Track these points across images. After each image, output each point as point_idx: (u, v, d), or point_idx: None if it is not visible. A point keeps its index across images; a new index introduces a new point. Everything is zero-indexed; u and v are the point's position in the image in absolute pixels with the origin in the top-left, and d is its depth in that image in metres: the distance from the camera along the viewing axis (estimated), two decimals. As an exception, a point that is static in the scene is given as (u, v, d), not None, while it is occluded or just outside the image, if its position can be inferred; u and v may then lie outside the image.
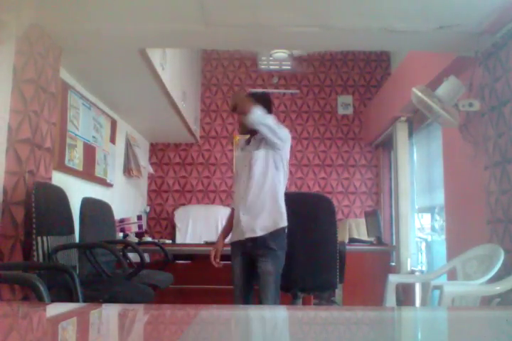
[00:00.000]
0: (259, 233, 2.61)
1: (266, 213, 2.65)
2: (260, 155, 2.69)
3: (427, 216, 4.68)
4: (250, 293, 2.71)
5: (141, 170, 5.29)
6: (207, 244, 4.51)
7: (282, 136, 2.68)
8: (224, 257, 2.83)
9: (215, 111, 6.21)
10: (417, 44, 3.13)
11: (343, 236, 5.24)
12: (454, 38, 2.85)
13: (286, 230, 2.69)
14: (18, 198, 2.50)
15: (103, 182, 4.34)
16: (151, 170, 5.84)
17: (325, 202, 3.09)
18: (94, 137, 4.02)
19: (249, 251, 2.65)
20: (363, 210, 5.74)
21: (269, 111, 2.71)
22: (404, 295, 4.17)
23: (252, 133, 2.78)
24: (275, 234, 2.62)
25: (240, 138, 6.08)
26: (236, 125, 6.15)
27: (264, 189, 2.67)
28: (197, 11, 2.59)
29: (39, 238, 2.42)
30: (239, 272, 2.70)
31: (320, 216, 3.00)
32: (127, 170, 5.06)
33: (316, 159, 6.10)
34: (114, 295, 2.46)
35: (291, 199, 2.83)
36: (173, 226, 5.87)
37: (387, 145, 5.57)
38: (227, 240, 2.83)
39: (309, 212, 2.97)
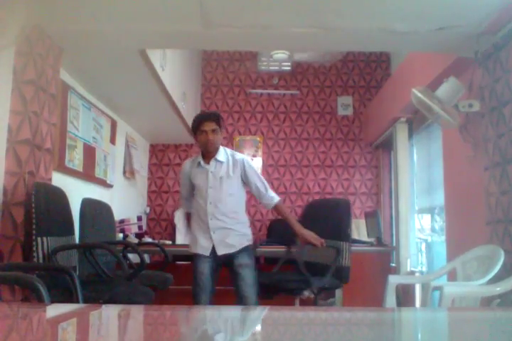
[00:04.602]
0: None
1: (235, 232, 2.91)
2: (232, 183, 2.91)
3: (427, 217, 4.68)
4: (212, 295, 2.88)
5: (134, 173, 5.29)
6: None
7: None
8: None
9: (215, 111, 6.21)
10: (416, 45, 3.13)
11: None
12: (453, 39, 2.85)
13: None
14: (18, 199, 2.50)
15: (103, 183, 4.34)
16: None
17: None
18: (94, 138, 4.02)
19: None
20: (363, 211, 5.74)
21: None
22: (404, 295, 4.16)
23: (210, 153, 2.93)
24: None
25: (239, 140, 6.10)
26: (236, 126, 6.16)
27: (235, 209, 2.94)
28: (197, 11, 2.59)
29: (39, 239, 2.42)
30: (207, 272, 2.86)
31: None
32: (126, 171, 5.06)
33: (316, 160, 6.10)
34: (114, 296, 2.46)
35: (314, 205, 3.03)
36: (173, 227, 5.86)
37: (387, 146, 5.57)
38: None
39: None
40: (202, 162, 2.94)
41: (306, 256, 3.12)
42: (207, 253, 2.86)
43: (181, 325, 1.02)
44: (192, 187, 3.01)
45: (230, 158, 2.95)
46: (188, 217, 3.11)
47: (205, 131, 2.85)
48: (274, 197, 2.99)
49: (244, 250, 2.89)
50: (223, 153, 2.96)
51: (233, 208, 2.90)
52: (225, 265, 2.92)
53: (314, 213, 3.51)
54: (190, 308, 1.17)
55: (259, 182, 2.96)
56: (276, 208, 3.01)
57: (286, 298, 3.29)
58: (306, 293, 3.16)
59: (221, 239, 2.85)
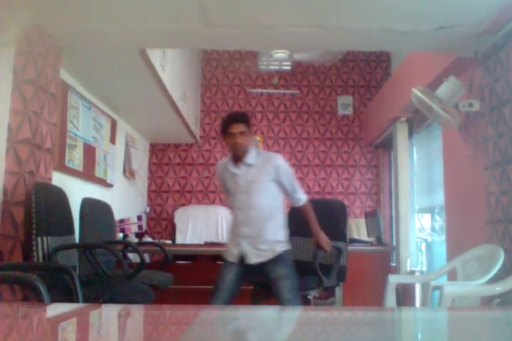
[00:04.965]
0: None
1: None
2: (264, 187, 2.77)
3: (427, 216, 4.68)
4: (230, 300, 2.75)
5: (134, 172, 5.29)
6: (207, 244, 4.52)
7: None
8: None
9: (215, 111, 6.21)
10: (416, 44, 3.13)
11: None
12: (453, 38, 2.85)
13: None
14: (18, 198, 2.50)
15: (103, 183, 4.34)
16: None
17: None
18: (94, 137, 4.02)
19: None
20: (363, 210, 5.74)
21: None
22: (404, 295, 4.17)
23: (239, 156, 2.80)
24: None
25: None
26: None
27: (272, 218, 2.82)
28: (197, 11, 2.59)
29: (39, 238, 2.42)
30: (230, 278, 2.75)
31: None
32: (126, 171, 5.06)
33: (316, 159, 6.10)
34: (114, 296, 2.47)
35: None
36: (173, 227, 5.86)
37: (387, 145, 5.57)
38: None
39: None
40: (231, 165, 2.82)
41: (320, 258, 3.14)
42: (236, 261, 2.77)
43: (181, 325, 1.02)
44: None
45: (262, 160, 2.80)
46: None
47: (233, 133, 2.72)
48: (300, 200, 2.89)
49: (279, 259, 2.76)
50: (254, 155, 2.80)
51: (265, 213, 2.78)
52: (260, 274, 2.81)
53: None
54: (190, 308, 1.17)
55: (288, 185, 2.83)
56: (300, 208, 2.94)
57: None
58: (313, 293, 3.18)
59: (251, 247, 2.75)
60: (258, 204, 2.76)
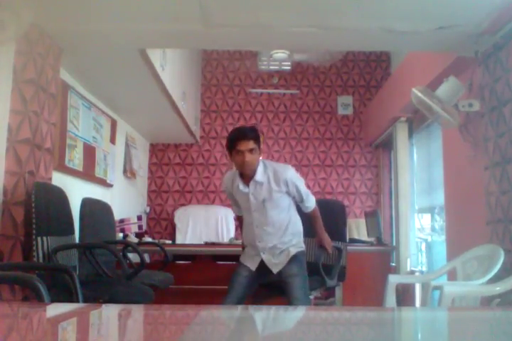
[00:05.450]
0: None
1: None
2: (277, 202, 2.74)
3: (427, 216, 4.68)
4: (242, 301, 2.75)
5: (134, 172, 5.30)
6: (207, 244, 4.52)
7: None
8: (228, 257, 2.85)
9: (215, 111, 6.21)
10: (416, 44, 3.13)
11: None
12: (453, 38, 2.85)
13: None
14: (18, 198, 2.50)
15: (103, 183, 4.34)
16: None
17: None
18: (94, 137, 4.02)
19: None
20: (363, 210, 5.74)
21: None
22: (404, 295, 4.17)
23: (248, 174, 2.72)
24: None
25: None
26: (236, 125, 6.15)
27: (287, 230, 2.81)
28: (197, 11, 2.59)
29: (39, 238, 2.42)
30: (244, 281, 2.77)
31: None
32: (126, 171, 5.06)
33: (316, 159, 6.10)
34: (114, 296, 2.47)
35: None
36: (173, 227, 5.86)
37: (387, 145, 5.57)
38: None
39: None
40: (241, 184, 2.72)
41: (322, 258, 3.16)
42: (253, 268, 2.80)
43: (181, 325, 1.02)
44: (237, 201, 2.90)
45: (272, 175, 2.69)
46: (241, 220, 3.02)
47: (242, 150, 2.58)
48: (309, 207, 2.88)
49: (293, 259, 2.76)
50: (262, 171, 2.69)
51: (281, 226, 2.76)
52: (273, 275, 2.83)
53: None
54: (190, 308, 1.17)
55: (298, 196, 2.80)
56: (309, 213, 2.93)
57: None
58: (315, 293, 3.20)
59: (271, 258, 2.77)
60: (273, 221, 2.74)
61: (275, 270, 2.76)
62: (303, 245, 2.88)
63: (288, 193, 2.77)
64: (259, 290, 3.12)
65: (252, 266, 2.80)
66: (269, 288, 3.07)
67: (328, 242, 3.01)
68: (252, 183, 2.70)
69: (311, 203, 2.88)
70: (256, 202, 2.72)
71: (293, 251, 2.78)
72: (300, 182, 2.81)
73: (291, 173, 2.76)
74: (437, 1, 2.52)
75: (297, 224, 2.88)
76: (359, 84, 6.26)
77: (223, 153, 6.12)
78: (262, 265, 2.79)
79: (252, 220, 2.77)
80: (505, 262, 2.48)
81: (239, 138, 2.59)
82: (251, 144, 2.59)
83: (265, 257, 2.77)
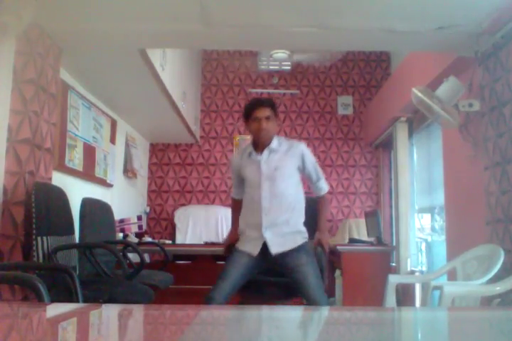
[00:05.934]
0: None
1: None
2: (290, 173, 2.66)
3: (427, 216, 4.68)
4: (232, 293, 2.57)
5: (135, 172, 5.30)
6: (207, 244, 4.52)
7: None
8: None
9: (215, 111, 6.21)
10: (417, 44, 3.13)
11: (343, 237, 5.24)
12: (453, 38, 2.85)
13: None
14: (18, 198, 2.50)
15: (103, 183, 4.34)
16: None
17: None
18: (94, 137, 4.02)
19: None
20: (363, 210, 5.74)
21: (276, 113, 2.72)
22: (404, 295, 4.17)
23: (263, 142, 2.66)
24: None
25: (239, 139, 6.10)
26: (236, 125, 6.16)
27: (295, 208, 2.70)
28: (197, 11, 2.59)
29: (39, 238, 2.42)
30: (239, 269, 2.56)
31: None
32: (126, 171, 5.07)
33: (316, 159, 6.09)
34: (114, 296, 2.46)
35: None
36: (173, 227, 5.86)
37: (387, 145, 5.57)
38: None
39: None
40: (253, 152, 2.67)
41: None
42: (255, 252, 2.59)
43: (181, 325, 1.02)
44: (243, 182, 2.74)
45: (286, 146, 2.68)
46: (237, 206, 2.86)
47: (259, 118, 2.59)
48: (323, 189, 2.81)
49: (300, 249, 2.61)
50: (277, 142, 2.67)
51: (290, 201, 2.63)
52: (279, 270, 2.66)
53: None
54: (190, 308, 1.17)
55: (314, 172, 2.75)
56: (319, 199, 2.84)
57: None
58: None
59: (274, 236, 2.59)
60: (283, 193, 2.62)
61: (274, 250, 2.56)
62: (307, 236, 2.73)
63: (301, 170, 2.70)
64: (269, 290, 3.03)
65: (254, 250, 2.59)
66: (278, 286, 2.94)
67: (326, 240, 2.85)
68: (265, 151, 2.65)
69: (325, 185, 2.80)
70: (267, 170, 2.61)
71: (299, 240, 2.64)
72: (314, 158, 2.79)
73: (306, 147, 2.74)
74: (437, 1, 2.52)
75: (303, 209, 2.74)
76: (359, 84, 6.26)
77: (223, 153, 6.12)
78: (264, 250, 2.59)
79: (261, 191, 2.60)
80: (505, 262, 2.48)
81: (256, 105, 2.63)
82: (268, 111, 2.61)
83: (268, 236, 2.58)
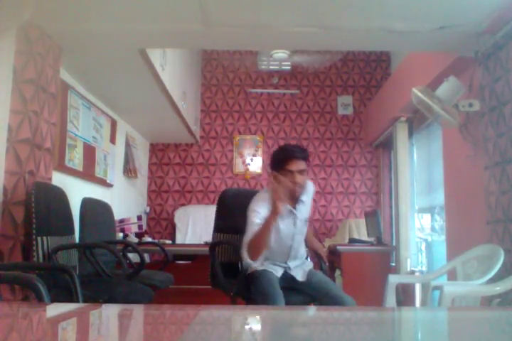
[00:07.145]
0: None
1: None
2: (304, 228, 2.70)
3: (427, 216, 4.68)
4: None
5: (137, 171, 5.30)
6: (207, 244, 4.52)
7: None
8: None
9: (215, 111, 6.22)
10: (417, 44, 3.13)
11: (343, 237, 5.24)
12: (454, 38, 2.85)
13: None
14: (18, 198, 2.50)
15: (103, 183, 4.34)
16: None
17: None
18: (94, 137, 4.02)
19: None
20: (363, 210, 5.75)
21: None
22: (404, 295, 4.16)
23: (295, 195, 2.56)
24: None
25: (239, 139, 6.09)
26: (236, 125, 6.16)
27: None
28: (197, 11, 2.59)
29: (39, 238, 2.42)
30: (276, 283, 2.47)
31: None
32: (127, 171, 5.07)
33: (316, 159, 6.10)
34: (114, 296, 2.47)
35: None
36: (173, 227, 5.86)
37: (387, 145, 5.57)
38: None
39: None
40: (288, 205, 2.53)
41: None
42: (279, 274, 2.58)
43: (181, 325, 1.02)
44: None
45: (306, 192, 2.61)
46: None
47: (292, 171, 2.42)
48: (307, 230, 2.83)
49: (311, 271, 2.69)
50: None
51: (302, 239, 2.70)
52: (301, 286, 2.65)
53: (230, 202, 3.31)
54: (190, 308, 1.17)
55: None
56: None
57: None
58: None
59: (297, 268, 2.65)
60: (299, 237, 2.66)
61: (300, 279, 2.58)
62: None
63: None
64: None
65: (277, 272, 2.58)
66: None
67: (321, 249, 2.91)
68: (298, 206, 2.56)
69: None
70: (300, 225, 2.58)
71: (309, 266, 2.71)
72: None
73: (312, 186, 2.72)
74: (437, 1, 2.52)
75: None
76: (359, 84, 6.26)
77: (223, 153, 6.12)
78: (285, 273, 2.62)
79: (292, 243, 2.58)
80: (505, 262, 2.48)
81: (290, 158, 2.43)
82: (302, 165, 2.45)
83: (292, 268, 2.62)
